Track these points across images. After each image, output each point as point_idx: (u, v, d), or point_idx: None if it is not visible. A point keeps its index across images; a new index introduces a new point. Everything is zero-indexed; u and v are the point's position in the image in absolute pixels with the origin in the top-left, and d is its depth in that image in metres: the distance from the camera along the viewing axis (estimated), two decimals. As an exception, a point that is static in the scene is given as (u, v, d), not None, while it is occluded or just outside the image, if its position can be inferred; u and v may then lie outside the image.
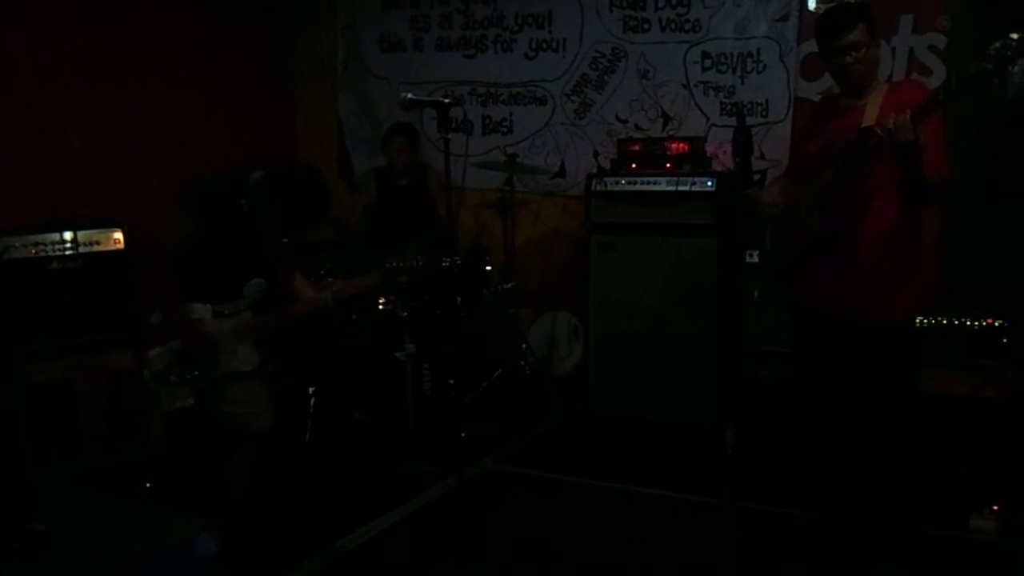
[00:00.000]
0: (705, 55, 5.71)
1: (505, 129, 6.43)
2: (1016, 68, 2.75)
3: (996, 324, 4.36)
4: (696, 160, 5.24)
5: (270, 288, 3.62)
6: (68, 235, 4.68)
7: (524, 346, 5.88)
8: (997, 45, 2.74)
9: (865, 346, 3.31)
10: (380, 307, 5.03)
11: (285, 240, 3.64)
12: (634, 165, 5.34)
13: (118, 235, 4.83)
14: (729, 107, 5.66)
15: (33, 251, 4.56)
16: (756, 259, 4.52)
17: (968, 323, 4.37)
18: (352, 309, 5.14)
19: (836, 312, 3.38)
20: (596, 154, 6.03)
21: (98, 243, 4.77)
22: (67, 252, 4.67)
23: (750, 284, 4.71)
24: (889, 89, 3.37)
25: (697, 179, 5.06)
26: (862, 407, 3.35)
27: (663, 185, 5.13)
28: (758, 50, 5.54)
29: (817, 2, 5.32)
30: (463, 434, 4.43)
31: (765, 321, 4.74)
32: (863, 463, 3.40)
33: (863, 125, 3.22)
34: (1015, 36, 2.71)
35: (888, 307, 3.30)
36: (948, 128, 3.27)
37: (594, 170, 5.68)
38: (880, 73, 3.67)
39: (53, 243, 4.63)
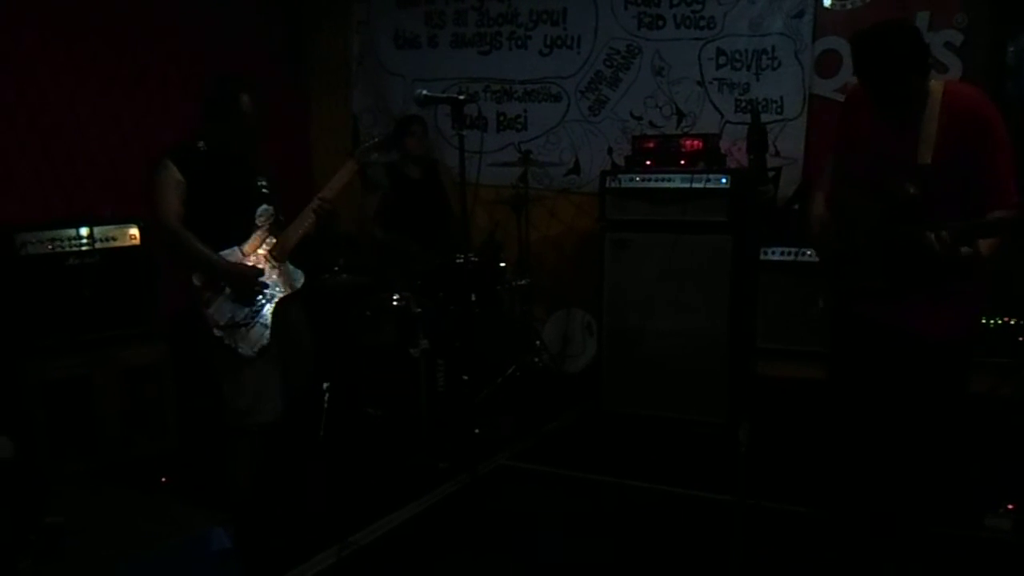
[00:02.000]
0: (720, 52, 5.69)
1: (519, 126, 6.43)
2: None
3: (1012, 322, 4.33)
4: (710, 157, 5.23)
5: (277, 212, 3.90)
6: (84, 231, 4.70)
7: (538, 343, 5.89)
8: None
9: (920, 362, 3.14)
10: (395, 303, 5.04)
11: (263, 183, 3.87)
12: (648, 162, 5.33)
13: (134, 231, 4.85)
14: (744, 104, 5.64)
15: (50, 247, 4.59)
16: (776, 256, 4.50)
17: (984, 321, 4.35)
18: (366, 305, 5.16)
19: (891, 327, 3.18)
20: (610, 151, 6.02)
21: (114, 239, 4.79)
22: (83, 248, 4.69)
23: (773, 282, 4.70)
24: (945, 103, 2.95)
25: (711, 176, 5.05)
26: (911, 419, 3.21)
27: (677, 182, 5.13)
28: (773, 47, 5.52)
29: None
30: (477, 430, 4.43)
31: (779, 319, 4.73)
32: (903, 469, 3.29)
33: (919, 162, 2.94)
34: None
35: (949, 324, 3.10)
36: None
37: (608, 167, 5.67)
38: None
39: (70, 239, 4.65)
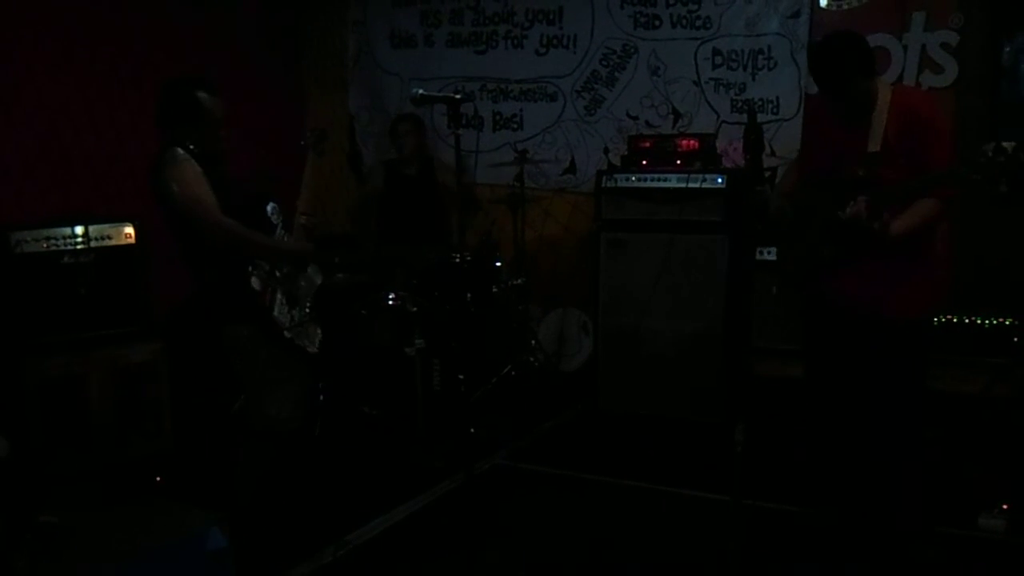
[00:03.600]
0: (716, 52, 5.70)
1: (515, 125, 6.43)
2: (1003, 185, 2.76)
3: (1007, 322, 4.34)
4: (706, 157, 5.24)
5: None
6: (80, 229, 4.69)
7: (533, 342, 5.89)
8: (990, 153, 2.76)
9: (877, 340, 3.32)
10: (390, 302, 5.04)
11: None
12: (644, 162, 5.34)
13: (129, 229, 4.84)
14: (740, 104, 5.65)
15: (45, 245, 4.58)
16: (772, 256, 4.51)
17: (979, 321, 4.36)
18: (362, 304, 5.16)
19: (849, 308, 3.38)
20: (607, 151, 6.03)
21: (110, 237, 4.78)
22: (79, 246, 4.68)
23: (767, 281, 4.71)
24: (893, 102, 3.27)
25: (707, 176, 5.06)
26: (872, 402, 3.36)
27: (673, 182, 5.13)
28: (769, 47, 5.52)
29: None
30: (472, 430, 4.43)
31: (775, 318, 4.73)
32: (873, 460, 3.39)
33: (869, 150, 3.24)
34: (1008, 147, 2.74)
35: (901, 302, 3.29)
36: (962, 126, 3.25)
37: (604, 167, 5.68)
38: (890, 72, 3.65)
39: (65, 237, 4.64)
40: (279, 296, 3.61)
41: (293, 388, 3.71)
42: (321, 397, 4.70)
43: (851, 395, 3.46)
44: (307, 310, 3.75)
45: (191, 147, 3.48)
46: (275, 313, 3.56)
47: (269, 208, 3.77)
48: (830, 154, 3.39)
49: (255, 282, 3.52)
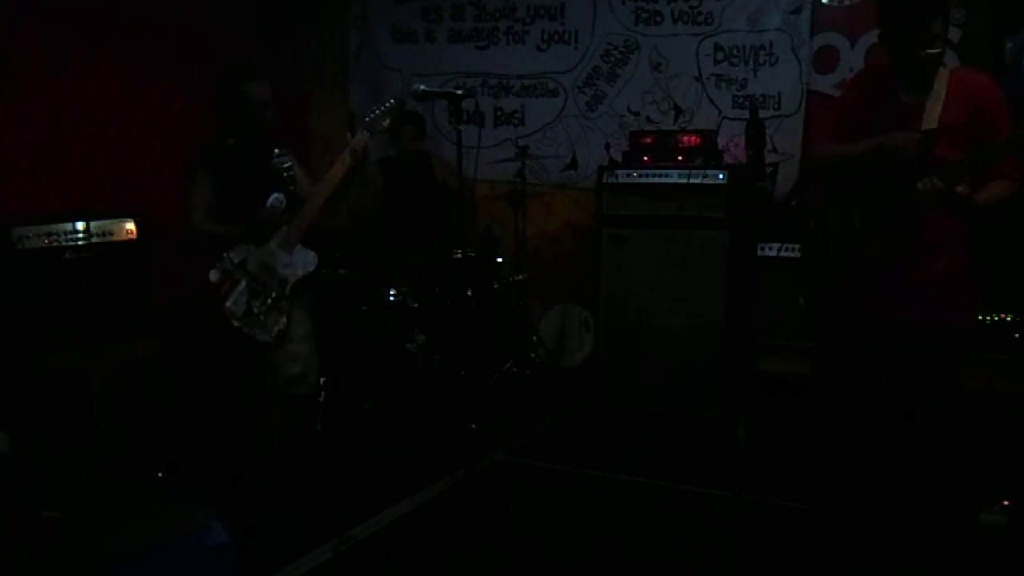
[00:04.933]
0: (717, 47, 5.70)
1: (517, 121, 6.42)
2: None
3: (1009, 319, 4.34)
4: (708, 153, 5.23)
5: (289, 197, 3.97)
6: (81, 225, 4.69)
7: (535, 338, 5.89)
8: None
9: (931, 352, 3.15)
10: (391, 298, 5.04)
11: (279, 152, 3.97)
12: (646, 158, 5.33)
13: (130, 225, 4.84)
14: (741, 100, 5.65)
15: (46, 241, 4.57)
16: (773, 252, 4.50)
17: (981, 317, 4.35)
18: (364, 300, 5.16)
19: (892, 318, 3.18)
20: (608, 146, 6.00)
21: (111, 233, 4.78)
22: (80, 242, 4.67)
23: (768, 277, 4.70)
24: (951, 82, 3.08)
25: (709, 172, 5.05)
26: (912, 410, 3.24)
27: (675, 178, 5.12)
28: (771, 43, 5.52)
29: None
30: (473, 425, 4.43)
31: (777, 314, 4.73)
32: (902, 464, 3.30)
33: (924, 128, 3.04)
34: None
35: (957, 312, 3.16)
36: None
37: (606, 162, 5.67)
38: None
39: (66, 233, 4.64)
40: (241, 287, 3.89)
41: (307, 353, 4.03)
42: (322, 392, 4.69)
43: (877, 404, 3.33)
44: (270, 300, 3.89)
45: (232, 142, 3.97)
46: (228, 303, 3.87)
47: (270, 199, 3.91)
48: (879, 132, 3.16)
49: (213, 274, 3.90)
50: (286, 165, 3.96)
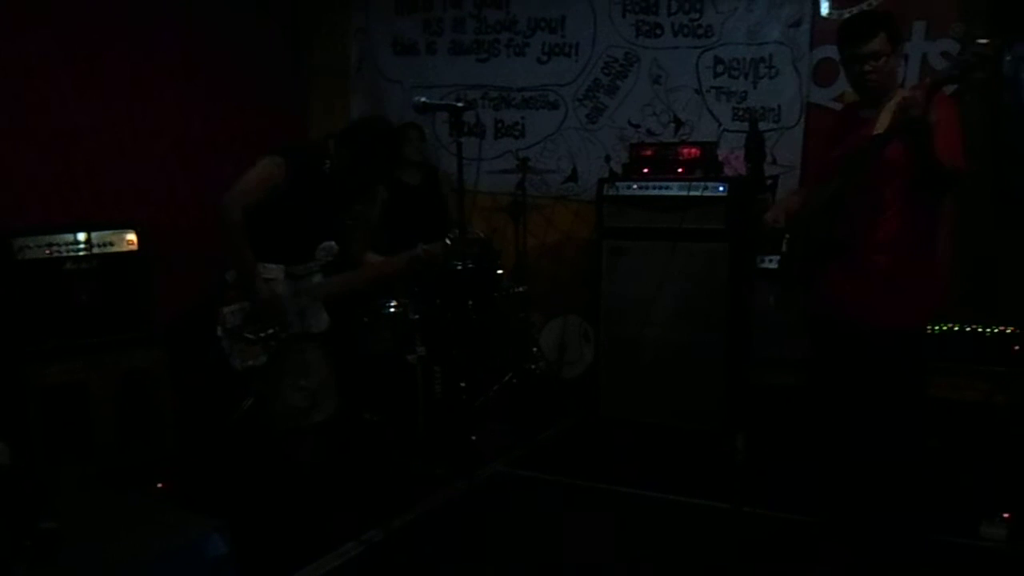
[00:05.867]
0: (717, 60, 5.72)
1: (517, 133, 6.44)
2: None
3: (1008, 330, 4.34)
4: (708, 165, 5.24)
5: (341, 253, 3.83)
6: (82, 236, 4.70)
7: (535, 350, 5.88)
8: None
9: (873, 351, 3.30)
10: (392, 310, 5.04)
11: (358, 207, 3.86)
12: (646, 170, 5.34)
13: (131, 236, 4.84)
14: (741, 112, 5.66)
15: (47, 251, 4.58)
16: (774, 264, 4.50)
17: (980, 329, 4.35)
18: (364, 311, 5.16)
19: (846, 318, 3.37)
20: (608, 159, 6.03)
21: (112, 244, 4.79)
22: (81, 253, 4.68)
23: (767, 290, 4.70)
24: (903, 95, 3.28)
25: (709, 184, 5.07)
26: (870, 412, 3.34)
27: (675, 190, 5.14)
28: (771, 55, 5.54)
29: (831, 8, 5.32)
30: (473, 437, 4.43)
31: (776, 327, 4.73)
32: (872, 469, 3.38)
33: (874, 132, 3.22)
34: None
35: (897, 312, 3.28)
36: (963, 135, 3.24)
37: (606, 175, 5.69)
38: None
39: (67, 244, 4.65)
40: (247, 304, 3.64)
41: (312, 364, 3.82)
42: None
43: (851, 404, 3.44)
44: (263, 334, 3.65)
45: (327, 166, 3.75)
46: (226, 310, 3.64)
47: (323, 245, 3.78)
48: (840, 155, 3.40)
49: (230, 275, 3.69)
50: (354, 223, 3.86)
